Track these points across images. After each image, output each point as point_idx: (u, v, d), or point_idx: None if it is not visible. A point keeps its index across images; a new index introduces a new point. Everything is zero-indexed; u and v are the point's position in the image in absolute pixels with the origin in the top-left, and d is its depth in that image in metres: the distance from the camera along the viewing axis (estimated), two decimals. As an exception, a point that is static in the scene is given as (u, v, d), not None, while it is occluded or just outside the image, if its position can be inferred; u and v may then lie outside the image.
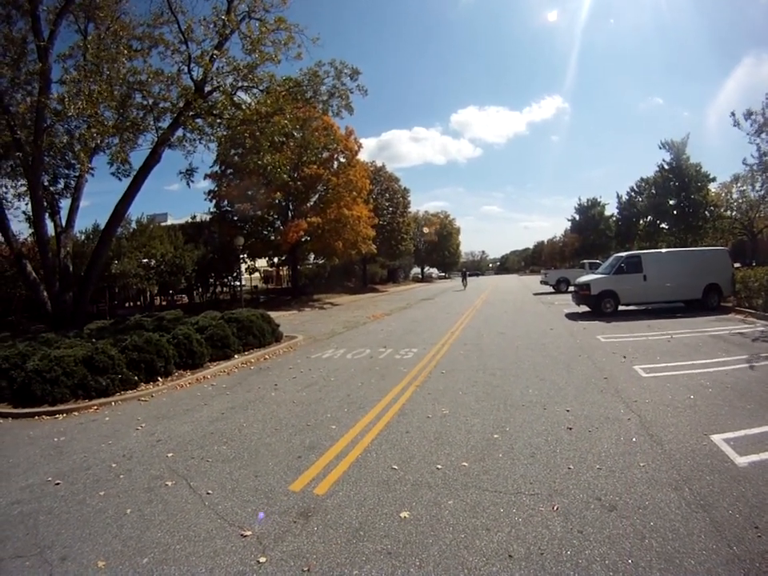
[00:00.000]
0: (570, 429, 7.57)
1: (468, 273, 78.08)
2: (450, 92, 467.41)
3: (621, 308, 23.24)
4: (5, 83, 18.96)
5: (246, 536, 5.11)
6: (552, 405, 8.92)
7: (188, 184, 23.43)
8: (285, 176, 24.74)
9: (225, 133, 21.97)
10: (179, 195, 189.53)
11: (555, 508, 5.29)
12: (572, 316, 23.57)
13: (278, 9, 21.16)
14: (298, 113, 22.14)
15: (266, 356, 17.03)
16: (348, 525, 5.23)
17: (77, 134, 19.90)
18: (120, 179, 21.65)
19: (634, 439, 7.08)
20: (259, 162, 22.16)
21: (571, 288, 37.34)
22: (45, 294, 20.51)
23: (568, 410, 8.52)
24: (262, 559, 4.68)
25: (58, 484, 7.00)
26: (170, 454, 7.78)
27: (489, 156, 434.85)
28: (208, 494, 6.22)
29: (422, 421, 8.46)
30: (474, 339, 17.65)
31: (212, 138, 21.59)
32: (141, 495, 6.36)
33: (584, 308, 24.32)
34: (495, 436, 7.44)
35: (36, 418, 10.95)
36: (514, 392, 10.02)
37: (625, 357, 13.11)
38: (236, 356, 16.51)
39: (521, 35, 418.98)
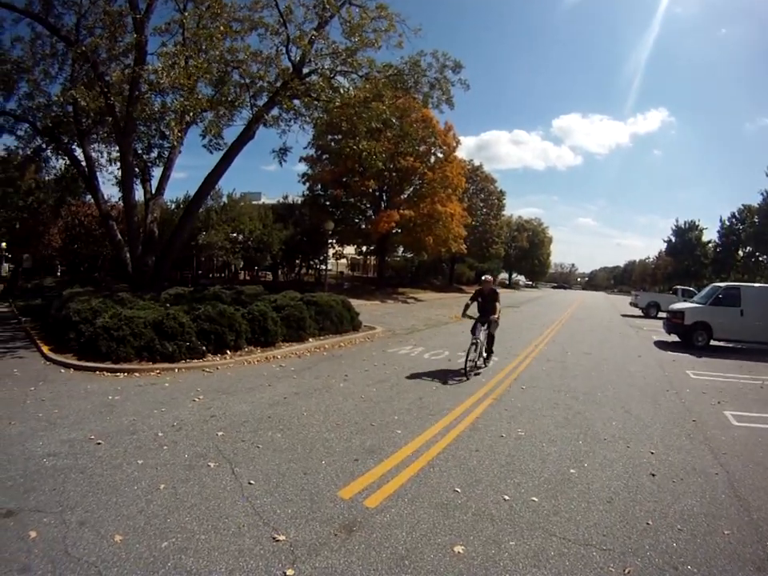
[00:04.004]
0: (653, 475, 6.81)
1: (555, 285, 75.15)
2: (553, 96, 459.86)
3: (712, 343, 21.72)
4: (102, 53, 19.50)
5: (278, 540, 4.72)
6: (636, 443, 8.12)
7: (280, 163, 23.56)
8: (380, 164, 24.17)
9: (321, 115, 21.91)
10: (275, 175, 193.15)
11: (627, 572, 4.57)
12: (661, 345, 22.18)
13: None
14: (397, 102, 21.77)
15: (341, 344, 16.81)
16: (393, 549, 4.70)
17: (170, 106, 19.90)
18: (211, 152, 22.02)
19: (720, 499, 6.23)
20: (355, 148, 21.83)
21: (661, 314, 36.14)
22: (128, 255, 20.91)
23: (652, 452, 7.71)
24: (290, 572, 4.26)
25: (99, 444, 6.90)
26: (220, 433, 7.57)
27: (589, 165, 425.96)
28: (250, 483, 5.89)
29: (494, 440, 7.84)
30: (558, 356, 16.79)
31: (308, 119, 21.69)
32: (179, 472, 6.15)
33: (674, 337, 22.80)
34: (572, 471, 6.76)
35: (97, 372, 11.15)
36: (596, 422, 9.25)
37: (715, 399, 11.91)
38: (310, 339, 16.37)
39: (628, 41, 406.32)
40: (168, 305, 14.52)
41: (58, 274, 45.37)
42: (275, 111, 21.14)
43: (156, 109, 20.66)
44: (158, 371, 11.42)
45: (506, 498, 5.82)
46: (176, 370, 11.64)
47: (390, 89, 20.50)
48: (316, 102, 20.48)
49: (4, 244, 47.75)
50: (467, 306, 13.69)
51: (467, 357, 12.51)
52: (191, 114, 18.24)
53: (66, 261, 45.87)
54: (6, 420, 7.76)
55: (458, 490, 5.95)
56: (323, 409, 9.20)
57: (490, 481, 6.28)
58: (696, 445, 8.32)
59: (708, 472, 7.11)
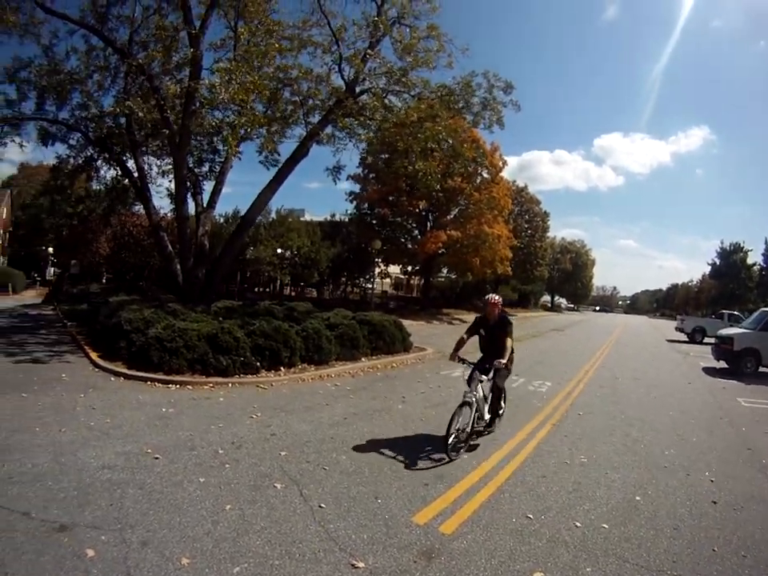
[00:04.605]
0: (715, 503, 6.81)
1: (598, 309, 73.72)
2: (594, 115, 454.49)
3: (761, 369, 21.01)
4: (156, 67, 19.78)
5: (357, 567, 4.51)
6: (695, 471, 8.08)
7: (334, 181, 23.70)
8: (435, 184, 24.17)
9: (375, 134, 21.99)
10: (317, 193, 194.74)
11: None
12: (709, 371, 21.54)
13: (427, 17, 20.90)
14: (450, 122, 21.46)
15: (393, 364, 16.50)
16: (474, 576, 4.57)
17: (226, 120, 20.35)
18: (267, 168, 22.22)
19: (781, 526, 6.14)
20: (410, 168, 21.76)
21: (707, 339, 35.16)
22: (178, 267, 21.03)
23: (712, 480, 7.69)
24: (373, 601, 4.06)
25: (156, 458, 6.65)
26: (283, 452, 7.34)
27: (631, 186, 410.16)
28: (320, 507, 5.65)
29: (559, 466, 7.78)
30: (609, 381, 16.42)
31: (362, 137, 21.66)
32: (245, 492, 5.90)
33: (722, 364, 22.15)
34: (637, 498, 6.74)
35: (148, 383, 11.04)
36: (654, 449, 9.19)
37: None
38: (363, 359, 16.13)
39: (667, 57, 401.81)
40: (221, 318, 14.48)
41: (104, 280, 46.50)
42: (328, 129, 21.35)
43: (214, 123, 21.04)
44: (211, 385, 11.25)
45: (578, 524, 5.79)
46: (229, 385, 11.43)
47: (444, 109, 20.36)
48: (370, 122, 20.55)
49: (51, 249, 49.33)
50: (461, 343, 8.70)
51: (451, 425, 7.46)
52: (248, 129, 18.42)
53: (112, 268, 47.24)
54: (56, 426, 7.60)
55: (531, 516, 5.88)
56: (385, 431, 8.93)
57: (560, 507, 6.23)
58: (754, 473, 8.30)
59: (768, 500, 7.03)
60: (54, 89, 20.94)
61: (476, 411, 8.02)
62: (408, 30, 20.42)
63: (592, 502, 6.46)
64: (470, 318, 44.03)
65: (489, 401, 8.67)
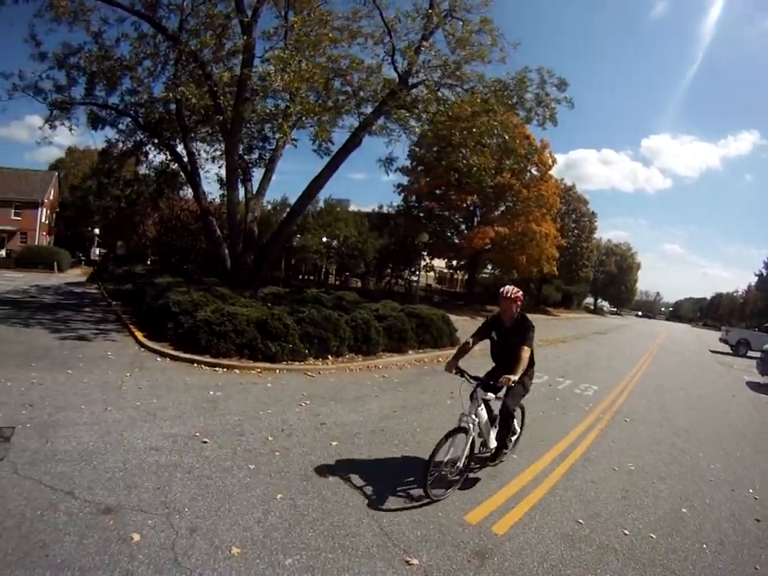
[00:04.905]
0: (758, 521, 6.59)
1: (640, 314, 72.15)
2: (642, 114, 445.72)
3: None
4: (207, 55, 19.95)
5: (411, 564, 4.44)
6: (740, 487, 7.81)
7: (387, 172, 23.73)
8: (488, 180, 23.95)
9: (428, 127, 21.93)
10: (362, 184, 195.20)
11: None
12: (754, 386, 20.68)
13: (478, 10, 20.45)
14: (504, 117, 21.18)
15: (440, 358, 16.15)
16: (526, 579, 4.56)
17: (278, 108, 20.61)
18: (321, 156, 22.27)
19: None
20: (464, 162, 21.60)
21: (751, 353, 34.18)
22: (226, 252, 21.28)
23: (756, 498, 7.44)
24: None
25: (205, 442, 6.55)
26: (334, 443, 7.23)
27: (678, 189, 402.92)
28: (373, 500, 5.56)
29: (607, 473, 7.64)
30: (654, 390, 16.01)
31: (416, 129, 21.77)
32: (296, 482, 5.80)
33: (767, 379, 21.34)
34: (683, 510, 6.60)
35: (195, 365, 11.04)
36: (700, 462, 8.93)
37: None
38: (410, 351, 16.04)
39: (717, 57, 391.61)
40: (269, 304, 14.47)
41: (148, 262, 47.45)
42: (381, 120, 21.31)
43: (269, 110, 21.16)
44: (258, 370, 11.19)
45: (626, 532, 5.71)
46: (277, 371, 11.36)
47: (500, 104, 20.05)
48: (424, 114, 20.43)
49: (97, 230, 50.62)
50: (464, 349, 6.64)
51: (434, 455, 5.63)
52: (303, 117, 18.67)
53: (158, 251, 48.46)
54: (101, 405, 7.54)
55: (581, 521, 5.83)
56: (435, 425, 8.65)
57: (608, 514, 6.16)
58: (798, 494, 8.07)
59: (811, 522, 6.86)
60: (104, 74, 21.46)
61: (477, 438, 6.16)
62: (460, 23, 20.09)
63: (640, 510, 6.36)
64: (517, 317, 44.18)
65: (496, 425, 6.59)
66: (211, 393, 8.93)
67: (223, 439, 6.72)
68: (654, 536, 5.65)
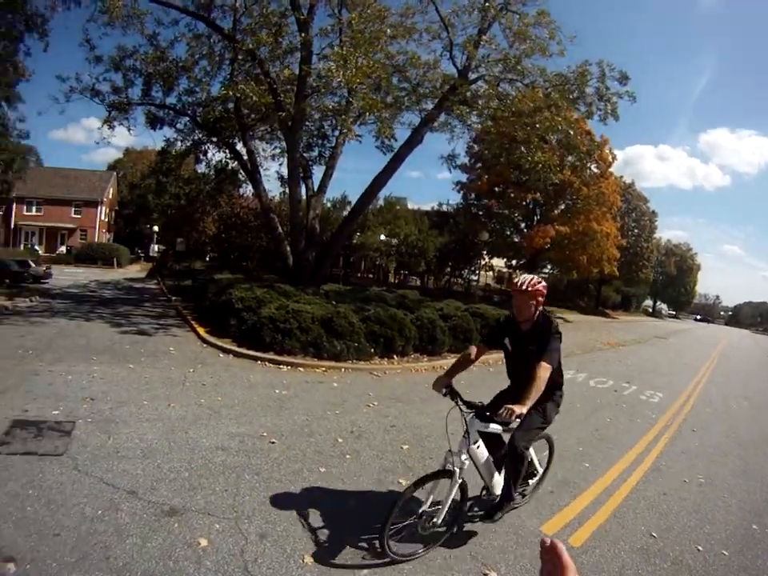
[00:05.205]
0: None
1: (699, 318, 69.91)
2: (699, 108, 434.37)
3: None
4: (265, 53, 20.12)
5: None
6: None
7: (449, 170, 23.75)
8: (553, 177, 23.49)
9: (491, 123, 21.78)
10: (418, 182, 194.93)
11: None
12: None
13: (533, 2, 20.20)
14: (566, 112, 20.89)
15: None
16: (605, 594, 4.57)
17: (338, 104, 20.66)
18: (384, 153, 22.24)
19: None
20: (529, 159, 20.98)
21: None
22: (288, 249, 21.40)
23: None
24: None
25: (272, 443, 6.37)
26: (405, 446, 6.97)
27: (737, 187, 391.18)
28: None
29: (678, 484, 7.29)
30: (720, 398, 15.48)
31: (479, 126, 21.82)
32: (368, 487, 5.62)
33: None
34: (754, 527, 6.19)
35: (259, 362, 10.99)
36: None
37: None
38: None
39: None
40: (333, 302, 14.48)
41: (207, 259, 48.99)
42: (441, 117, 21.21)
43: (331, 106, 21.19)
44: (323, 369, 11.10)
45: (700, 548, 5.45)
46: (342, 370, 11.25)
47: (563, 99, 19.72)
48: (486, 110, 20.29)
49: (156, 227, 52.18)
50: (464, 361, 5.00)
51: (393, 509, 4.20)
52: (367, 114, 18.56)
53: (217, 248, 49.43)
54: (164, 401, 7.48)
55: (654, 535, 5.57)
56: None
57: (681, 528, 5.88)
58: None
59: None
60: (161, 75, 21.94)
61: (462, 484, 4.52)
62: (516, 16, 19.89)
63: (712, 525, 6.06)
64: (573, 318, 43.25)
65: (503, 470, 4.92)
66: (277, 391, 8.80)
67: (291, 440, 6.54)
68: (726, 553, 5.41)
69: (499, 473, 4.89)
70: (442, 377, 4.77)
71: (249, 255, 43.91)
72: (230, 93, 18.57)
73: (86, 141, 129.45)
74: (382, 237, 37.29)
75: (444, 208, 51.82)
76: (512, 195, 43.70)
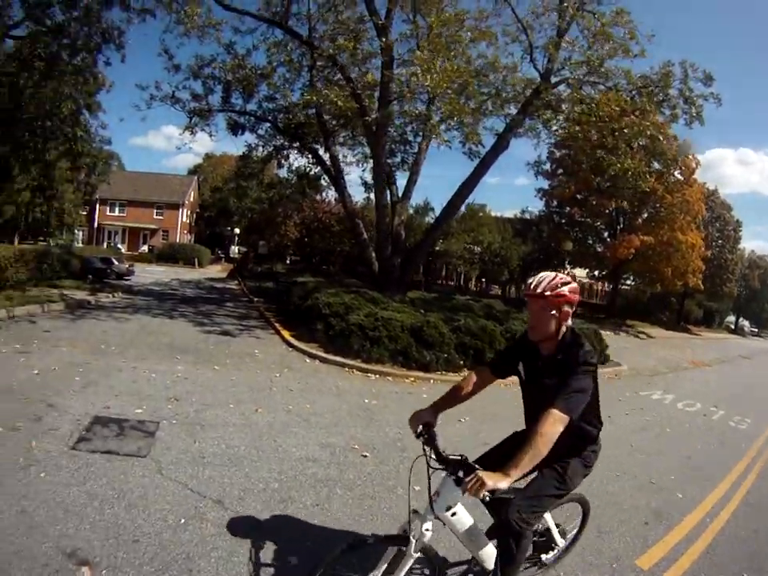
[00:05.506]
0: None
1: None
2: None
3: None
4: (345, 59, 20.33)
5: None
6: None
7: (536, 176, 23.36)
8: (644, 185, 22.84)
9: (578, 128, 20.64)
10: (496, 188, 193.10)
11: None
12: None
13: (608, 1, 19.63)
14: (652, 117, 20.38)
15: None
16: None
17: (423, 110, 20.17)
18: (471, 159, 22.00)
19: None
20: (618, 165, 20.37)
21: None
22: (373, 254, 21.48)
23: None
24: None
25: (364, 456, 6.13)
26: None
27: None
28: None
29: None
30: None
31: (566, 131, 21.03)
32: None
33: None
34: None
35: (346, 369, 10.91)
36: None
37: None
38: None
39: None
40: (422, 311, 14.39)
41: (287, 261, 50.11)
42: (526, 122, 20.81)
43: (417, 112, 20.94)
44: (412, 379, 10.94)
45: None
46: (431, 381, 11.05)
47: (650, 102, 19.23)
48: (571, 114, 19.73)
49: (237, 230, 54.09)
50: (456, 393, 3.74)
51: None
52: (454, 118, 18.26)
53: (299, 251, 50.87)
54: (251, 405, 7.36)
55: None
56: (599, 454, 7.81)
57: None
58: None
59: None
60: (240, 83, 22.37)
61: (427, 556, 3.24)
62: (593, 16, 19.34)
63: None
64: (654, 332, 42.06)
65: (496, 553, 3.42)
66: (366, 400, 8.62)
67: (384, 454, 6.29)
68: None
69: (485, 547, 3.45)
70: (424, 410, 3.51)
71: (330, 259, 44.91)
72: (314, 98, 18.71)
73: (166, 147, 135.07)
74: (468, 245, 37.29)
75: (526, 215, 51.02)
76: (594, 203, 42.66)
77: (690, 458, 8.78)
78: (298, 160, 27.44)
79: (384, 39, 17.83)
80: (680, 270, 42.59)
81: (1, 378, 7.27)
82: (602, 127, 19.77)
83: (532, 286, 3.14)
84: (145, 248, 55.24)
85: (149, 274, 32.56)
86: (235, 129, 24.44)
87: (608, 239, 45.99)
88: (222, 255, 63.03)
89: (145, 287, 24.09)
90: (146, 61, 62.52)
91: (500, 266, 38.81)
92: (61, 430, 5.65)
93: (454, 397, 3.68)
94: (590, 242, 47.71)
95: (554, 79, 19.56)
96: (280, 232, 45.14)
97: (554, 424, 2.79)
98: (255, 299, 21.59)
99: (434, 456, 3.12)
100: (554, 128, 21.01)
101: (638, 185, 21.87)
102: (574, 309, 3.20)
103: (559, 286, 3.11)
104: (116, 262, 28.75)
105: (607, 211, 44.12)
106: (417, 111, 20.93)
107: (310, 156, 25.64)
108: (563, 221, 47.10)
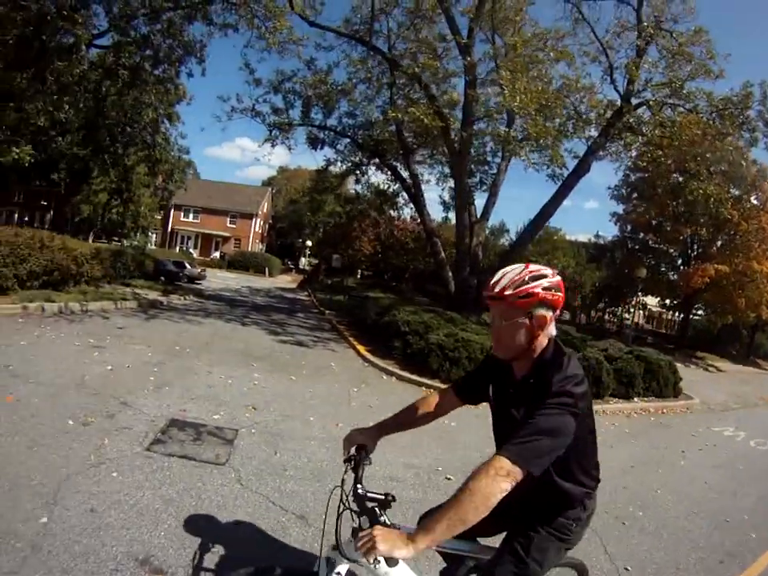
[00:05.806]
0: None
1: None
2: None
3: None
4: (427, 76, 20.61)
5: None
6: None
7: (616, 201, 23.48)
8: (725, 212, 23.04)
9: (660, 152, 20.44)
10: (566, 211, 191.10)
11: None
12: None
13: (684, 19, 19.53)
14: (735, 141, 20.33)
15: (664, 409, 15.07)
16: None
17: (506, 130, 20.14)
18: (555, 182, 21.85)
19: None
20: (700, 192, 20.08)
21: None
22: (450, 274, 21.70)
23: None
24: None
25: (449, 479, 6.05)
26: None
27: None
28: (626, 569, 4.80)
29: None
30: None
31: (648, 153, 20.80)
32: None
33: None
34: None
35: (423, 389, 10.71)
36: None
37: None
38: (635, 399, 14.84)
39: None
40: None
41: (358, 276, 50.60)
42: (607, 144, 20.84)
43: (502, 132, 20.73)
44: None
45: None
46: None
47: (733, 126, 18.92)
48: (653, 138, 19.39)
49: (309, 242, 55.19)
50: (408, 413, 2.88)
51: None
52: (541, 140, 18.05)
53: (372, 267, 51.56)
54: (331, 419, 7.33)
55: None
56: (672, 488, 7.87)
57: None
58: None
59: None
60: (320, 98, 23.16)
61: None
62: (671, 35, 19.25)
63: None
64: (724, 366, 40.73)
65: None
66: (446, 421, 8.12)
67: (459, 477, 6.10)
68: None
69: None
70: (366, 429, 2.84)
71: (403, 277, 45.33)
72: (399, 115, 18.92)
73: (240, 158, 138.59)
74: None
75: (600, 240, 50.08)
76: (669, 229, 41.62)
77: (762, 499, 8.53)
78: (375, 175, 27.92)
79: (468, 58, 17.98)
80: (753, 301, 40.44)
81: (74, 371, 7.42)
82: (684, 152, 19.61)
83: (490, 284, 2.25)
84: (216, 254, 57.06)
85: (220, 280, 33.49)
86: (315, 143, 25.13)
87: (681, 267, 44.85)
88: (293, 266, 64.23)
89: (216, 292, 24.76)
90: (225, 72, 64.27)
91: (573, 290, 38.29)
92: (134, 429, 5.70)
93: (407, 418, 2.89)
94: (663, 269, 46.59)
95: (634, 101, 19.43)
96: (354, 246, 45.87)
97: (494, 478, 1.89)
98: (326, 311, 21.76)
99: (348, 491, 2.33)
100: (634, 152, 21.06)
101: (719, 211, 21.63)
102: (557, 312, 2.29)
103: (527, 281, 2.17)
104: (188, 266, 29.85)
105: (682, 238, 42.89)
106: (501, 131, 20.99)
107: (389, 173, 26.01)
108: (637, 246, 46.17)
